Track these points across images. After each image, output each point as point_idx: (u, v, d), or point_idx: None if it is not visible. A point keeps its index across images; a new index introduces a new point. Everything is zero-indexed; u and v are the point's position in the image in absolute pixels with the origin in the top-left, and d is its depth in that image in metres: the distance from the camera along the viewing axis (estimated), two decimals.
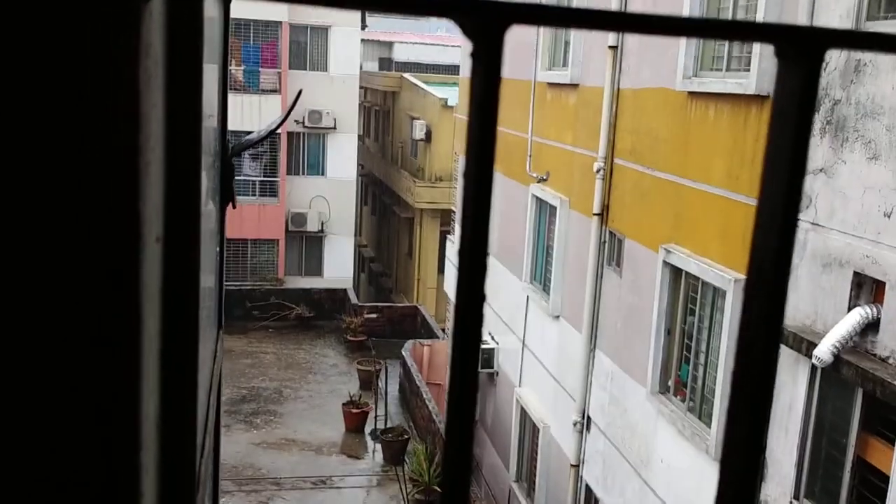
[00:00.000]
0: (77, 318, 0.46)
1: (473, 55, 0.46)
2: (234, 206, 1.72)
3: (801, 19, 6.77)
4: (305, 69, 26.06)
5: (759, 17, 7.31)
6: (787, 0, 7.04)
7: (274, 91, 25.24)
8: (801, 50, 0.46)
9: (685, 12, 8.49)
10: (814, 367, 6.48)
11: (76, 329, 0.47)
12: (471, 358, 0.45)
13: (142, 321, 0.47)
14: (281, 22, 25.19)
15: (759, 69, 7.31)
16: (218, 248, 1.65)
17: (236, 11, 25.98)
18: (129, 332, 0.46)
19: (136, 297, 0.46)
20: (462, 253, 0.46)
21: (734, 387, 0.49)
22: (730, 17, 8.06)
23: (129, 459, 0.51)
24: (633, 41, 9.90)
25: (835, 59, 6.46)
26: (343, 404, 17.71)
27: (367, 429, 17.52)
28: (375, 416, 17.40)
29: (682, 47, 8.55)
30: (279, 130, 25.09)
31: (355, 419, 17.48)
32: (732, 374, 0.51)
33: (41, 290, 0.46)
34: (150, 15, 0.47)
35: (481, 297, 0.47)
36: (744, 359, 0.48)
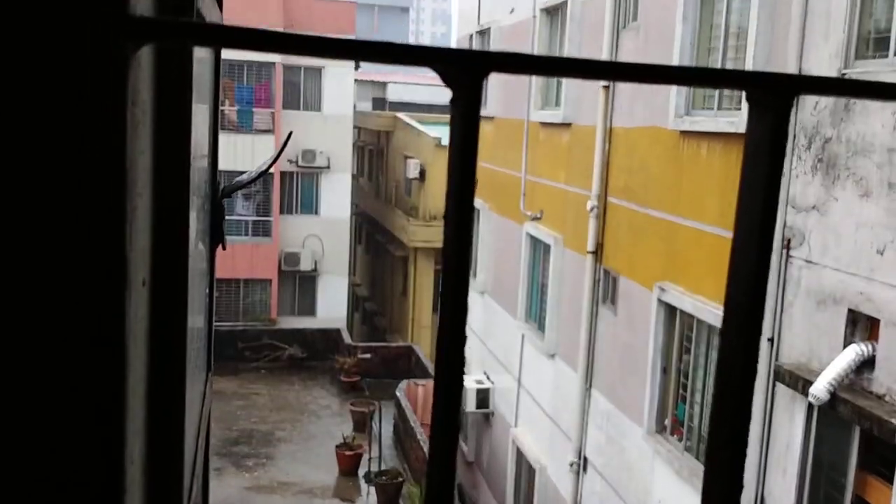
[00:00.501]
0: (61, 360, 0.46)
1: (452, 102, 0.47)
2: (223, 248, 1.72)
3: (791, 58, 6.86)
4: (299, 109, 26.25)
5: (749, 55, 7.41)
6: (777, 38, 7.15)
7: (267, 131, 25.38)
8: (771, 96, 0.47)
9: (676, 50, 8.61)
10: (810, 406, 6.45)
11: (59, 371, 0.46)
12: (453, 402, 0.45)
13: (126, 365, 0.46)
14: (274, 63, 25.44)
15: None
16: (207, 290, 1.65)
17: (229, 53, 26.31)
18: (113, 377, 0.46)
19: (120, 341, 0.46)
20: (444, 295, 0.46)
21: (714, 413, 0.49)
22: (720, 54, 8.17)
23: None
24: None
25: (824, 97, 6.55)
26: (336, 446, 17.52)
27: (361, 471, 17.32)
28: (369, 459, 17.21)
29: (674, 86, 8.65)
30: (272, 170, 25.18)
31: (349, 462, 17.28)
32: (713, 399, 0.51)
33: (25, 331, 0.46)
34: (138, 64, 0.47)
35: (462, 337, 0.47)
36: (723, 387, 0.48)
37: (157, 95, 0.59)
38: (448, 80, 0.47)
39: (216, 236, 1.62)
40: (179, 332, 0.68)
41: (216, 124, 1.70)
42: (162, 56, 0.58)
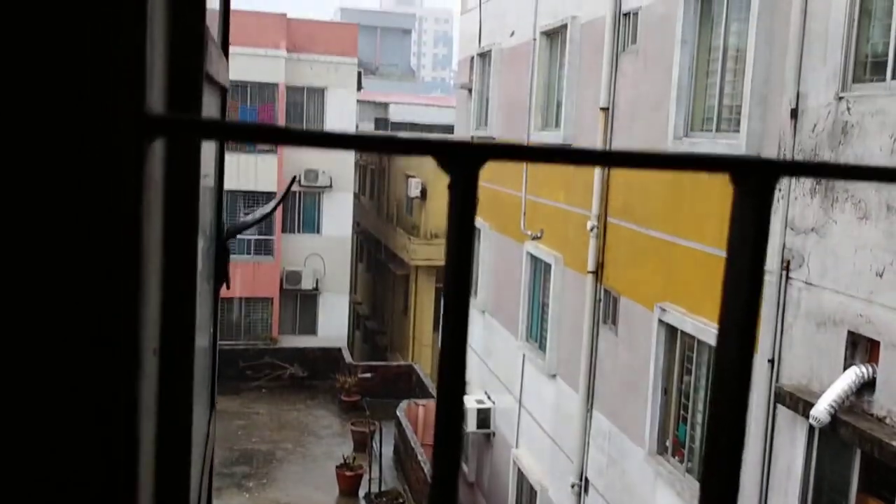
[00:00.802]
0: (72, 440, 0.48)
1: (450, 187, 0.49)
2: (227, 287, 1.75)
3: (789, 81, 6.91)
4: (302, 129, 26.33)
5: (748, 78, 7.46)
6: (775, 61, 7.20)
7: (271, 151, 25.48)
8: (754, 179, 0.50)
9: (675, 73, 8.66)
10: (811, 428, 6.44)
11: (70, 446, 0.48)
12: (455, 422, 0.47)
13: (138, 441, 0.48)
14: (278, 84, 25.58)
15: (748, 130, 7.43)
16: (211, 330, 1.67)
17: (233, 74, 26.39)
18: (127, 449, 0.48)
19: (133, 413, 0.48)
20: (440, 378, 0.48)
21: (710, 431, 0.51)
22: (718, 77, 8.22)
23: None
24: (624, 102, 10.08)
25: (822, 119, 6.59)
26: (337, 467, 17.46)
27: (362, 492, 17.24)
28: (370, 479, 17.14)
29: (673, 108, 8.71)
30: (274, 189, 25.25)
31: (349, 482, 17.21)
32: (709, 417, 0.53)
33: (40, 407, 0.48)
34: (153, 152, 0.50)
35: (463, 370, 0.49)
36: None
37: (167, 171, 0.62)
38: (446, 168, 0.50)
39: (220, 277, 1.65)
40: (185, 395, 0.70)
41: (222, 161, 1.73)
42: (172, 145, 0.61)
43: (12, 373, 0.47)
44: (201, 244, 1.29)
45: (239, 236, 25.84)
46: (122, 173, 0.44)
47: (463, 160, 0.49)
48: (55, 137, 0.44)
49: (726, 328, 0.54)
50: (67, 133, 0.44)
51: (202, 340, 1.33)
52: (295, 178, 3.27)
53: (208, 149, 1.38)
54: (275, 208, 2.56)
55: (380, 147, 0.50)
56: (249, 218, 2.62)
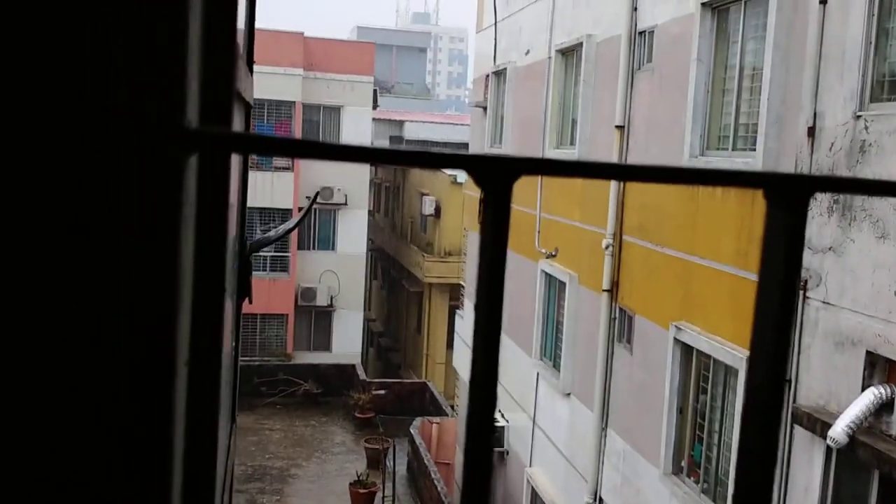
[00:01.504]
0: (110, 443, 0.49)
1: (483, 201, 0.50)
2: (250, 302, 1.76)
3: (805, 100, 6.90)
4: None
5: (764, 97, 7.45)
6: (791, 80, 7.19)
7: (287, 169, 25.63)
8: (788, 195, 0.50)
9: (690, 92, 8.66)
10: (829, 449, 6.37)
11: (109, 452, 0.49)
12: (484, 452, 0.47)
13: (173, 447, 0.49)
14: (294, 102, 25.77)
15: (765, 148, 7.41)
16: (234, 343, 1.68)
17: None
18: (161, 459, 0.49)
19: (168, 423, 0.49)
20: (472, 383, 0.49)
21: (741, 453, 0.51)
22: (734, 95, 8.22)
23: None
24: (639, 120, 10.08)
25: (839, 138, 6.56)
26: (350, 484, 17.41)
27: None
28: (383, 497, 17.07)
29: (689, 125, 8.70)
30: (290, 206, 25.38)
31: (363, 499, 17.15)
32: (739, 441, 0.53)
33: (78, 414, 0.49)
34: (190, 166, 0.51)
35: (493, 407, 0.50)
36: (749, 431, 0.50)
37: (200, 186, 0.63)
38: (480, 183, 0.50)
39: (243, 291, 1.66)
40: (212, 408, 0.71)
41: (245, 178, 1.75)
42: (204, 158, 0.62)
43: (53, 387, 0.48)
44: (227, 259, 1.31)
45: (255, 253, 25.94)
46: (164, 187, 0.45)
47: (497, 174, 0.50)
48: (97, 151, 0.45)
49: (758, 349, 0.54)
50: (110, 146, 0.45)
51: (225, 356, 1.34)
52: (318, 193, 3.30)
53: (233, 165, 1.39)
54: (298, 223, 2.58)
55: (413, 161, 0.51)
56: (272, 233, 2.65)
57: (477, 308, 0.52)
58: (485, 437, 0.49)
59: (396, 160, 0.48)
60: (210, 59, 0.66)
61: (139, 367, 0.47)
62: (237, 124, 1.23)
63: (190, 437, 0.68)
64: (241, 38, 1.47)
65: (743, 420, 0.54)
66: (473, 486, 0.47)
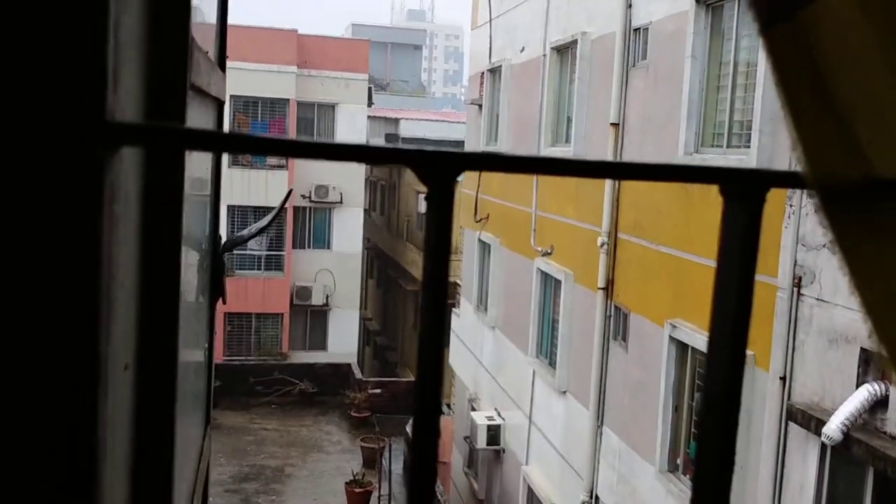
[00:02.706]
0: (33, 445, 0.47)
1: (427, 198, 0.49)
2: (224, 302, 1.74)
3: None
4: None
5: (759, 93, 7.43)
6: None
7: (280, 167, 25.59)
8: (744, 190, 0.48)
9: (685, 88, 8.65)
10: (823, 446, 6.37)
11: (30, 456, 0.47)
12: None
13: (98, 453, 0.47)
14: (289, 99, 25.72)
15: (759, 145, 7.40)
16: (207, 345, 1.66)
17: (244, 89, 26.26)
18: (88, 463, 0.47)
19: (93, 427, 0.47)
20: (420, 352, 0.47)
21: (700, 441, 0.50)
22: (729, 92, 8.20)
23: None
24: (634, 118, 10.07)
25: None
26: (346, 483, 17.40)
27: None
28: (379, 496, 17.07)
29: (683, 123, 8.69)
30: (285, 205, 25.33)
31: (359, 499, 17.14)
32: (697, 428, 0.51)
33: None
34: (120, 162, 0.48)
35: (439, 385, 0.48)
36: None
37: (147, 182, 0.61)
38: (423, 178, 0.49)
39: (216, 291, 1.64)
40: (166, 411, 0.69)
41: (219, 174, 1.73)
42: (151, 154, 0.59)
43: None
44: (196, 258, 1.28)
45: (249, 252, 25.94)
46: (79, 182, 0.43)
47: (439, 169, 0.48)
48: (5, 144, 0.42)
49: (716, 341, 0.53)
50: (20, 139, 0.42)
51: (194, 355, 1.32)
52: (291, 191, 3.29)
53: (203, 163, 1.37)
54: (271, 222, 2.56)
55: (353, 156, 0.49)
56: (245, 232, 2.63)
57: (422, 302, 0.51)
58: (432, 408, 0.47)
59: (332, 155, 0.46)
60: (159, 54, 0.64)
61: (59, 372, 0.45)
62: (203, 120, 1.21)
63: (141, 440, 0.66)
64: (210, 34, 1.44)
65: (701, 411, 0.52)
66: (422, 446, 0.45)
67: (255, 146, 0.46)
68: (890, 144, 0.45)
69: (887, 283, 0.48)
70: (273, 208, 24.72)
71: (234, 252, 25.21)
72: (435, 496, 0.50)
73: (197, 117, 1.10)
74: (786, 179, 0.51)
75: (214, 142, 0.44)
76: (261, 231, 2.65)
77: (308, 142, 0.47)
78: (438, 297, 0.48)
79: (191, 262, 1.14)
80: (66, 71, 0.42)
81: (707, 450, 0.50)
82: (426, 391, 0.45)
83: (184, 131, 0.44)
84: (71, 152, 0.42)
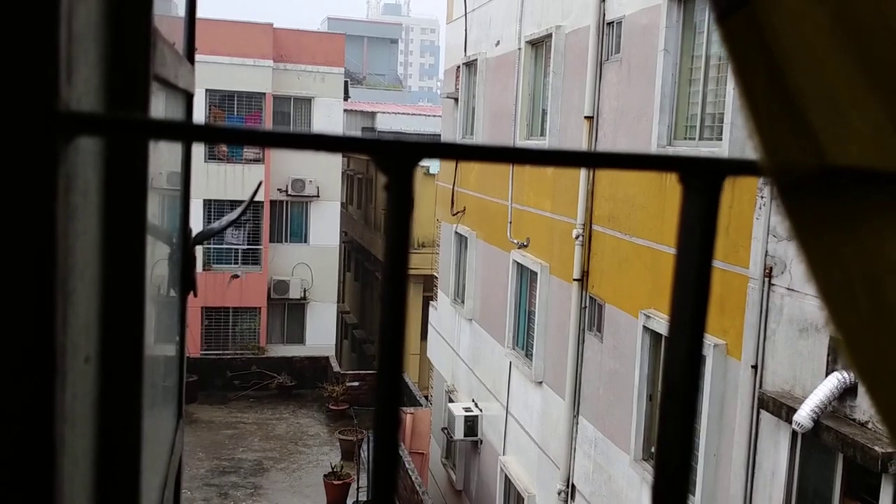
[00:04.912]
0: None
1: (386, 188, 0.49)
2: (195, 295, 1.73)
3: None
4: None
5: (730, 89, 7.50)
6: None
7: (257, 160, 25.44)
8: (702, 178, 0.49)
9: (657, 82, 8.70)
10: (794, 433, 6.46)
11: None
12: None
13: (55, 446, 0.47)
14: (265, 93, 25.56)
15: (731, 138, 7.47)
16: (178, 338, 1.66)
17: (220, 83, 26.04)
18: (45, 456, 0.47)
19: (49, 422, 0.47)
20: (380, 367, 0.48)
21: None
22: (701, 85, 8.26)
23: None
24: (608, 111, 10.12)
25: None
26: (324, 476, 17.38)
27: (350, 501, 17.16)
28: (357, 488, 17.07)
29: (657, 115, 8.75)
30: (262, 199, 25.21)
31: (337, 491, 17.13)
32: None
33: None
34: (75, 151, 0.48)
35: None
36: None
37: (108, 173, 0.61)
38: (381, 167, 0.49)
39: (187, 284, 1.63)
40: (131, 404, 0.69)
41: (189, 164, 1.72)
42: (112, 144, 0.59)
43: None
44: (165, 250, 1.28)
45: (226, 246, 25.77)
46: (30, 172, 0.43)
47: (397, 158, 0.49)
48: None
49: (676, 330, 0.53)
50: None
51: (164, 348, 1.31)
52: (260, 183, 3.27)
53: (172, 154, 1.36)
54: (241, 214, 2.55)
55: (313, 145, 0.49)
56: (216, 224, 2.62)
57: (382, 292, 0.51)
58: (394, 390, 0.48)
59: (291, 144, 0.46)
60: (120, 45, 0.64)
61: (13, 362, 0.45)
62: (169, 113, 1.21)
63: (106, 433, 0.66)
64: (177, 28, 1.44)
65: (662, 397, 0.53)
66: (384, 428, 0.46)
67: (215, 135, 0.46)
68: (841, 132, 0.46)
69: (841, 271, 0.49)
70: (245, 212, 24.61)
71: (212, 246, 25.03)
72: (398, 481, 0.51)
73: (163, 109, 1.09)
74: (743, 167, 0.52)
75: (169, 131, 0.44)
76: (232, 223, 2.65)
77: (268, 131, 0.47)
78: (398, 288, 0.49)
79: (159, 254, 1.14)
80: (16, 60, 0.43)
81: (667, 432, 0.52)
82: (388, 377, 0.45)
83: (141, 121, 0.44)
84: (21, 142, 0.42)
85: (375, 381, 0.51)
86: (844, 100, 0.45)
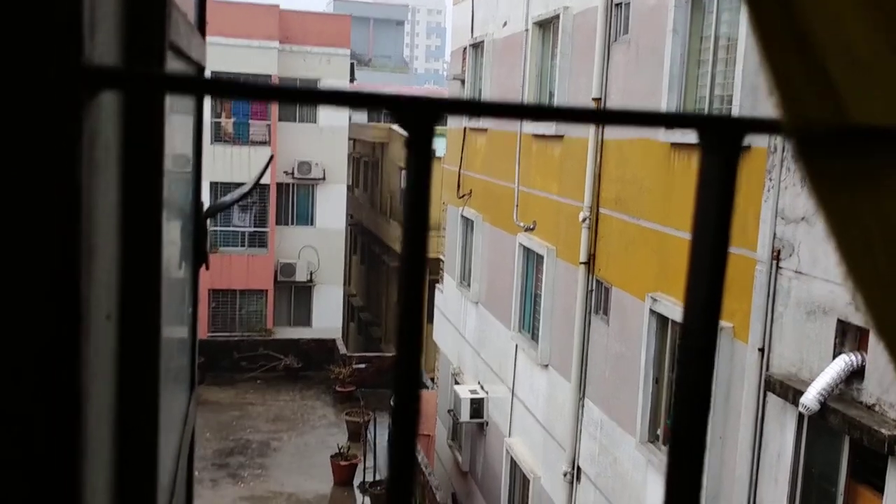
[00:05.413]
0: (11, 406, 0.47)
1: (407, 144, 0.49)
2: (206, 268, 1.74)
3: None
4: (295, 121, 26.33)
5: (739, 67, 7.45)
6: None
7: (263, 143, 25.43)
8: (721, 137, 0.49)
9: (666, 62, 8.65)
10: (801, 416, 6.47)
11: (8, 409, 0.47)
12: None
13: (81, 402, 0.48)
14: (271, 75, 25.50)
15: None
16: (191, 309, 1.67)
17: (226, 65, 26.07)
18: (69, 413, 0.47)
19: (76, 376, 0.48)
20: (400, 329, 0.48)
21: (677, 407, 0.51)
22: (710, 66, 8.21)
23: None
24: (616, 92, 10.07)
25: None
26: (331, 456, 17.50)
27: (356, 481, 17.28)
28: (364, 469, 17.18)
29: (665, 96, 8.70)
30: (268, 182, 25.22)
31: (344, 472, 17.25)
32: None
33: None
34: (98, 106, 0.49)
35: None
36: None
37: (126, 131, 0.62)
38: (402, 124, 0.49)
39: (199, 256, 1.64)
40: (152, 361, 0.70)
41: (200, 142, 1.72)
42: (130, 99, 0.60)
43: None
44: (178, 220, 1.29)
45: (233, 228, 25.80)
46: (58, 126, 0.43)
47: (418, 114, 0.49)
48: None
49: (692, 296, 0.53)
50: None
51: (178, 319, 1.32)
52: (272, 157, 3.28)
53: (184, 128, 1.36)
54: (253, 187, 2.55)
55: (332, 101, 0.49)
56: (228, 198, 2.63)
57: (402, 255, 0.52)
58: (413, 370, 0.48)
59: (311, 100, 0.46)
60: (137, 10, 0.64)
61: (42, 311, 0.46)
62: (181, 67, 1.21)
63: (124, 392, 0.67)
64: (188, 2, 1.43)
65: (679, 365, 0.54)
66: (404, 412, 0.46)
67: (233, 91, 0.47)
68: (861, 86, 0.45)
69: (860, 228, 0.49)
70: (257, 185, 24.70)
71: (219, 229, 25.07)
72: (417, 466, 0.51)
73: None
74: (762, 126, 0.52)
75: (192, 86, 0.45)
76: (243, 196, 2.66)
77: (286, 88, 0.47)
78: (418, 249, 0.49)
79: (173, 223, 1.15)
80: (42, 16, 0.43)
81: (682, 404, 0.52)
82: (407, 355, 0.46)
83: (162, 76, 0.45)
84: (49, 96, 0.42)
85: (395, 338, 0.51)
86: (865, 56, 0.45)
